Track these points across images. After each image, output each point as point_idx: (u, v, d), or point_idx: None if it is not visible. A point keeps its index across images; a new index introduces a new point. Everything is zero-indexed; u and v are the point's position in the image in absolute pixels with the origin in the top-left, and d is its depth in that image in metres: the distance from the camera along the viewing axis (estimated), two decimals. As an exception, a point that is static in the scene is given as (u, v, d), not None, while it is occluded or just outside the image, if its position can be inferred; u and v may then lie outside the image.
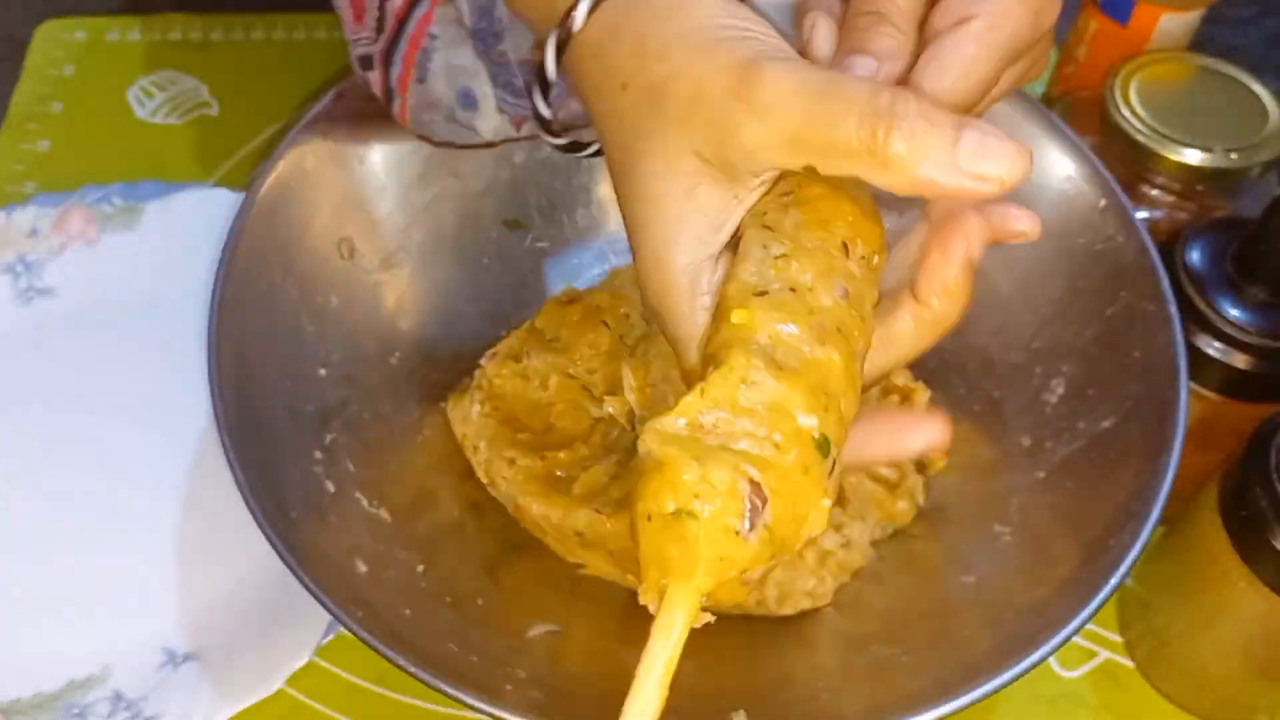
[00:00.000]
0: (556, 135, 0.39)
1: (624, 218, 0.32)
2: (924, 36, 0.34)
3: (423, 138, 0.44)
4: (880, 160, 0.27)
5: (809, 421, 0.27)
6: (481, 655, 0.40)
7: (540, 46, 0.34)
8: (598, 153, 0.39)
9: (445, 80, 0.43)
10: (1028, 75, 0.37)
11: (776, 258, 0.29)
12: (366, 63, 0.43)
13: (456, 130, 0.44)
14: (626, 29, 0.32)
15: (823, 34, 0.34)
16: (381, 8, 0.41)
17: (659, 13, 0.31)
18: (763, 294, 0.29)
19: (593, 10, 0.32)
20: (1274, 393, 0.47)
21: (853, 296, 0.30)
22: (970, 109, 0.34)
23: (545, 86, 0.36)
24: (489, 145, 0.44)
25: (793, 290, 0.29)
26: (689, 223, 0.30)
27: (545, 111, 0.37)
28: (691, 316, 0.31)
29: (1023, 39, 0.34)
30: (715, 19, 0.30)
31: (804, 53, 0.35)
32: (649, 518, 0.26)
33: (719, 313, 0.29)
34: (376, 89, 0.42)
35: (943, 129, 0.27)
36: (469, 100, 0.43)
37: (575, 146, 0.40)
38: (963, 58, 0.33)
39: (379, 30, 0.41)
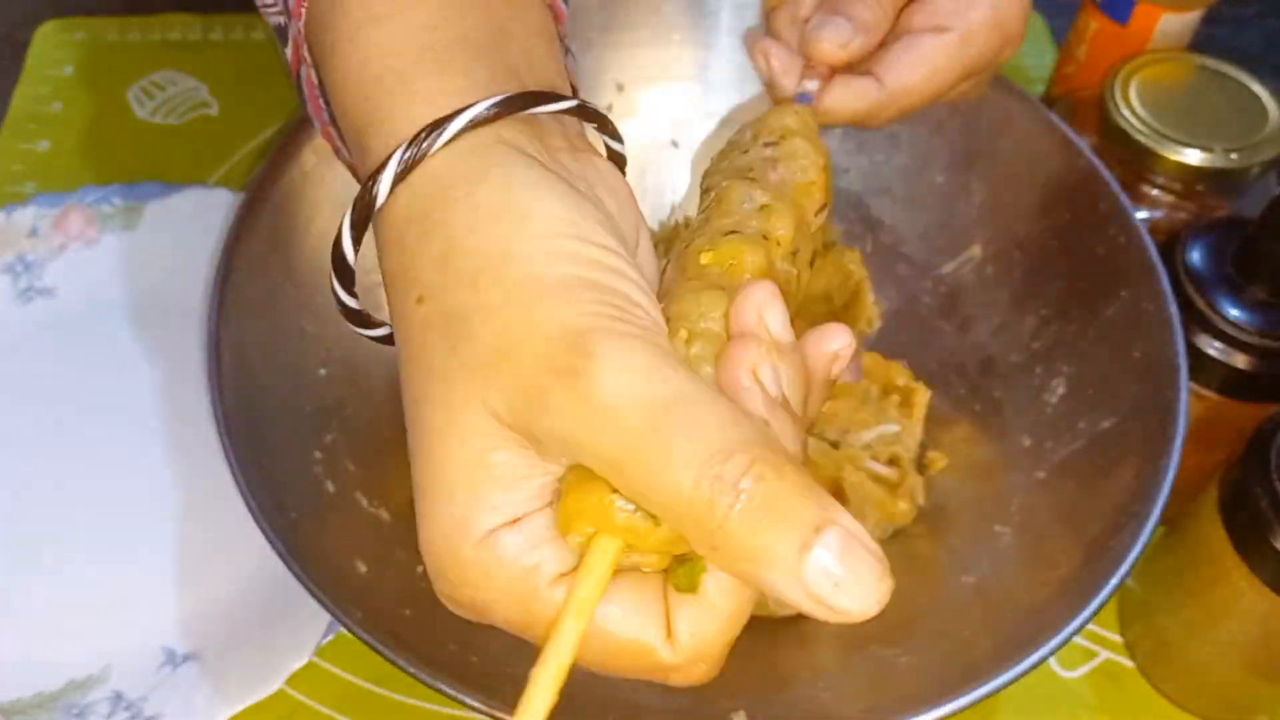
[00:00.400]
0: (369, 326, 0.30)
1: (412, 468, 0.25)
2: (896, 27, 0.35)
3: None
4: (710, 540, 0.21)
5: None
6: (481, 655, 0.40)
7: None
8: None
9: None
10: (967, 94, 0.39)
11: (761, 207, 0.29)
12: (281, 33, 0.35)
13: None
14: (435, 228, 0.24)
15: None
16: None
17: (481, 218, 0.24)
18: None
19: (399, 181, 0.25)
20: (1274, 393, 0.47)
21: (800, 258, 0.29)
22: (923, 105, 0.36)
23: (344, 271, 0.27)
24: None
25: (765, 238, 0.28)
26: (480, 494, 0.24)
27: (349, 300, 0.29)
28: (518, 585, 0.24)
29: (984, 61, 0.36)
30: (550, 242, 0.23)
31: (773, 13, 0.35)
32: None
33: (682, 261, 0.27)
34: (291, 64, 0.37)
35: (792, 528, 0.21)
36: None
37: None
38: (932, 63, 0.34)
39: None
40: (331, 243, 0.27)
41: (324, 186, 0.49)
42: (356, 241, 0.26)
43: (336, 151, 0.33)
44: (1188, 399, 0.43)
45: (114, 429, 0.54)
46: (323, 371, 0.47)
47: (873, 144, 0.55)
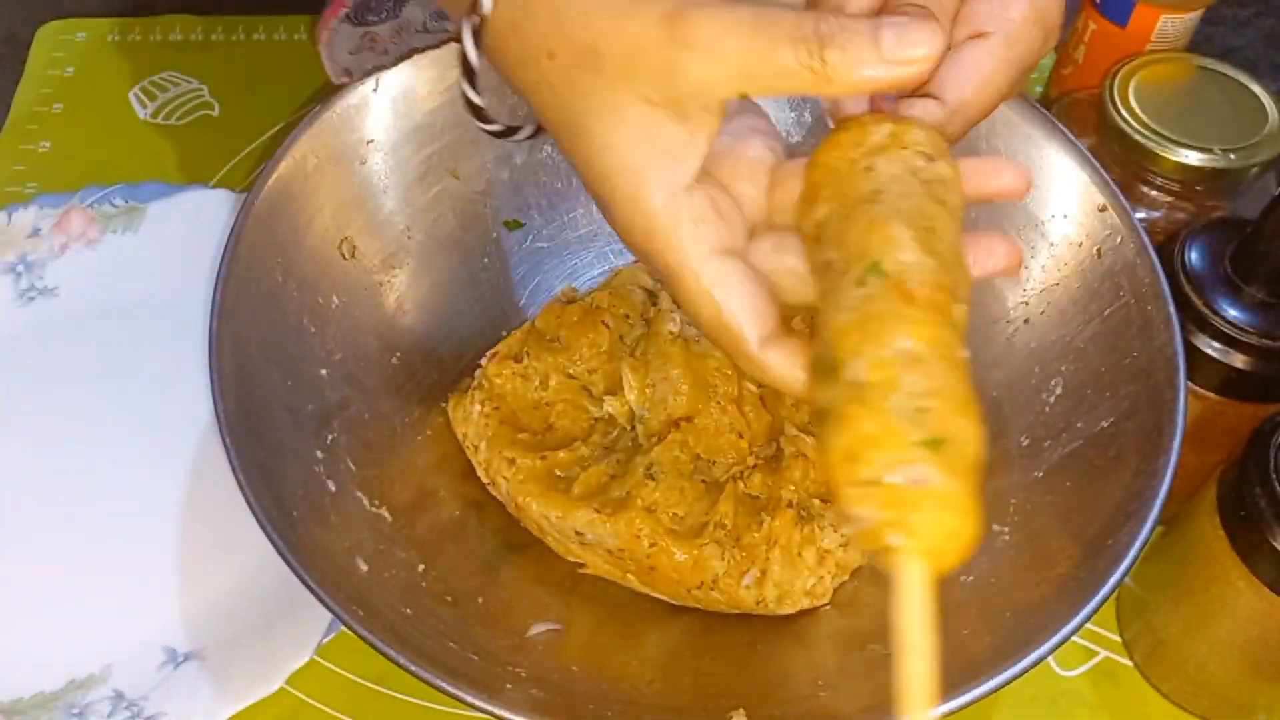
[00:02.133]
0: (489, 121, 0.40)
1: (582, 175, 0.34)
2: None
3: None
4: (822, 77, 0.30)
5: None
6: (482, 654, 0.41)
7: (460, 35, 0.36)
8: (533, 135, 0.41)
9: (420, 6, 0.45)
10: (1009, 95, 0.39)
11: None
12: None
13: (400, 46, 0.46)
14: (539, 3, 0.33)
15: None
16: None
17: None
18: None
19: None
20: (1273, 393, 0.47)
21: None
22: (985, 116, 0.35)
23: (470, 73, 0.37)
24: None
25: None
26: (653, 163, 0.32)
27: (476, 99, 0.38)
28: (682, 244, 0.33)
29: (1030, 58, 0.36)
30: None
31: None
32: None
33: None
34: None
35: (864, 35, 0.30)
36: (440, 15, 0.46)
37: (509, 131, 0.41)
38: (983, 71, 0.34)
39: None
40: (460, 68, 0.36)
41: (324, 187, 0.49)
42: (477, 45, 0.35)
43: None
44: (1186, 399, 0.43)
45: (115, 429, 0.54)
46: (324, 371, 0.47)
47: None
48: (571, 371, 0.50)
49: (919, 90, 0.35)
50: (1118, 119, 0.53)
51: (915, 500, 0.27)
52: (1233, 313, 0.46)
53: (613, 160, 0.33)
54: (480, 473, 0.49)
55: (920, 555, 0.27)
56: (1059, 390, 0.48)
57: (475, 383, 0.51)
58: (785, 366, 0.33)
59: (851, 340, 0.28)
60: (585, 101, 0.33)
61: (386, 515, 0.45)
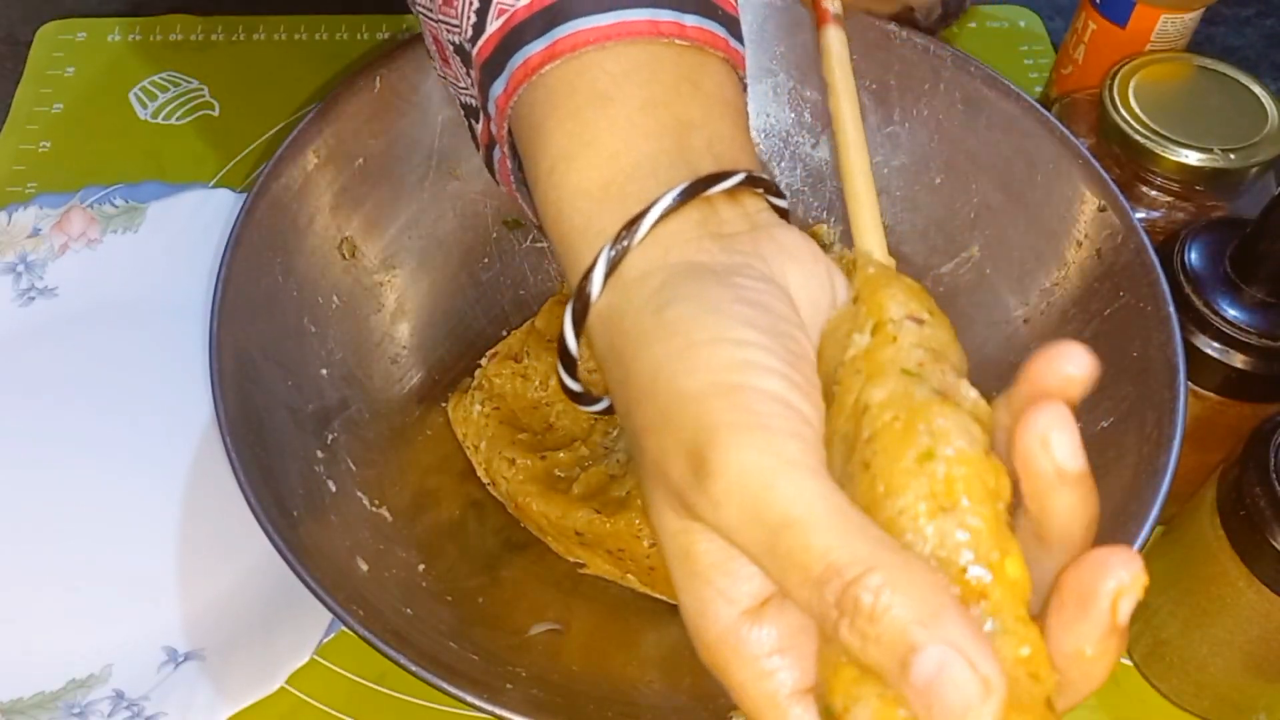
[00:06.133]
0: (591, 404, 0.34)
1: None
2: None
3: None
4: (832, 632, 0.23)
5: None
6: (482, 654, 0.41)
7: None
8: None
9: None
10: None
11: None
12: (470, 111, 0.38)
13: None
14: (614, 357, 0.28)
15: None
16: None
17: (641, 343, 0.26)
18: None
19: (610, 273, 0.28)
20: (1273, 393, 0.47)
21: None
22: None
23: (569, 360, 0.31)
24: None
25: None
26: (699, 588, 0.25)
27: (573, 385, 0.32)
28: (755, 686, 0.25)
29: None
30: (688, 356, 0.25)
31: None
32: None
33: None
34: (479, 138, 0.38)
35: (894, 648, 0.21)
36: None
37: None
38: None
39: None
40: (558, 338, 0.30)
41: (325, 187, 0.49)
42: (577, 335, 0.29)
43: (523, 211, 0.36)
44: (1186, 399, 0.43)
45: (115, 429, 0.54)
46: (324, 371, 0.47)
47: (872, 145, 0.55)
48: (571, 371, 0.50)
49: None
50: (1118, 119, 0.53)
51: None
52: (1233, 313, 0.46)
53: (667, 564, 0.26)
54: (480, 473, 0.49)
55: None
56: (1059, 390, 0.48)
57: (475, 383, 0.51)
58: None
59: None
60: (644, 491, 0.27)
61: (387, 515, 0.45)
